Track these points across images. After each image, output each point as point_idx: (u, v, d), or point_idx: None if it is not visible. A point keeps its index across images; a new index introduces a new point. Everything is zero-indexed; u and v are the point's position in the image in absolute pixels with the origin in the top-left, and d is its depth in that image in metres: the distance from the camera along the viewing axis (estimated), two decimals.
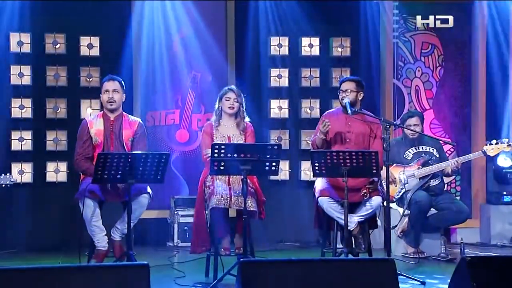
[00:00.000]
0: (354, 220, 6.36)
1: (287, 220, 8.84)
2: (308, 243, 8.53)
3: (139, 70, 8.71)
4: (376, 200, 6.37)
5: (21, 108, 8.31)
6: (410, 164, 7.60)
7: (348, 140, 6.52)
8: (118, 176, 5.82)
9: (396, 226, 7.61)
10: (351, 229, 6.34)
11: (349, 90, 6.53)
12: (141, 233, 8.53)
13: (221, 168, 5.84)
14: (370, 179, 6.34)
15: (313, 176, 6.33)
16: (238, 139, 6.49)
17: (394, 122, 6.63)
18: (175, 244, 8.38)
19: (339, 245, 6.39)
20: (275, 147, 5.84)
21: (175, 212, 8.45)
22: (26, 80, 8.36)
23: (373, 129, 6.54)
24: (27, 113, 8.34)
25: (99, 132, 6.38)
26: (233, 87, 6.70)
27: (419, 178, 7.54)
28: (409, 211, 7.51)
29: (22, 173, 8.27)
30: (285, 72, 8.93)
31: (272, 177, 8.66)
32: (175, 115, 8.87)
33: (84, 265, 4.08)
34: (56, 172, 8.36)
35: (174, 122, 8.88)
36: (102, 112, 6.53)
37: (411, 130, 7.43)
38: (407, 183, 7.53)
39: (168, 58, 8.81)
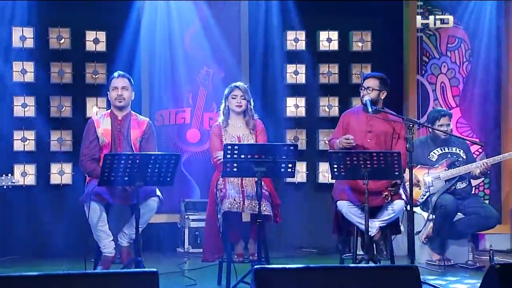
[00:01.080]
0: (375, 225, 6.34)
1: (304, 225, 8.84)
2: (326, 250, 8.52)
3: (148, 66, 8.76)
4: (399, 204, 6.35)
5: (23, 107, 8.36)
6: (435, 166, 7.57)
7: (369, 140, 6.50)
8: (126, 178, 5.83)
9: (420, 231, 7.58)
10: (372, 235, 6.31)
11: (371, 88, 6.51)
12: (149, 239, 8.56)
13: (234, 169, 5.85)
14: (392, 181, 6.32)
15: (332, 178, 6.32)
16: (249, 138, 6.49)
17: (418, 121, 6.59)
18: (185, 250, 8.39)
19: (360, 252, 6.37)
20: (291, 147, 5.84)
21: (186, 217, 8.47)
22: (29, 77, 8.40)
23: (396, 129, 6.52)
24: (30, 112, 8.39)
25: (106, 132, 6.40)
26: (239, 83, 6.68)
27: (445, 181, 7.51)
28: (434, 216, 7.48)
29: (25, 175, 8.32)
30: (302, 68, 8.94)
31: (288, 180, 8.69)
32: (186, 114, 8.89)
33: (90, 272, 4.11)
34: (61, 174, 8.40)
35: (185, 121, 8.90)
36: (109, 111, 6.55)
37: (440, 130, 7.40)
38: (432, 186, 7.51)
39: (178, 54, 8.84)
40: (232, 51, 8.90)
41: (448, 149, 7.67)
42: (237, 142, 6.38)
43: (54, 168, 8.43)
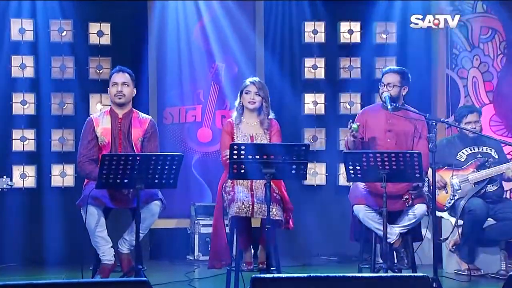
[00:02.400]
0: (395, 231, 6.33)
1: (323, 231, 8.79)
2: (348, 258, 8.48)
3: (155, 61, 8.78)
4: (420, 208, 6.33)
5: (23, 104, 8.42)
6: (463, 167, 7.51)
7: (389, 140, 6.48)
8: (125, 181, 5.83)
9: (447, 238, 7.53)
10: (392, 242, 6.32)
11: (392, 84, 6.51)
12: (158, 245, 8.61)
13: (242, 171, 5.84)
14: (413, 184, 6.30)
15: (347, 181, 6.30)
16: (262, 138, 6.50)
17: (441, 119, 6.53)
18: (195, 257, 8.40)
19: (380, 260, 6.36)
20: (303, 147, 5.83)
21: (196, 222, 8.48)
22: (29, 72, 8.46)
23: (418, 127, 6.51)
24: (30, 110, 8.45)
25: (106, 131, 6.42)
26: (254, 79, 6.69)
27: (474, 183, 7.44)
28: (462, 222, 7.42)
29: (24, 177, 8.37)
30: (321, 62, 8.93)
31: (307, 182, 8.68)
32: (197, 112, 8.91)
33: (81, 282, 4.10)
34: (62, 176, 8.44)
35: (196, 119, 8.91)
36: (109, 108, 6.57)
37: (464, 129, 7.35)
38: (460, 189, 7.45)
39: (188, 47, 8.87)
40: (246, 44, 8.90)
41: (478, 149, 7.60)
42: (249, 142, 6.40)
43: (56, 169, 8.46)
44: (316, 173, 8.81)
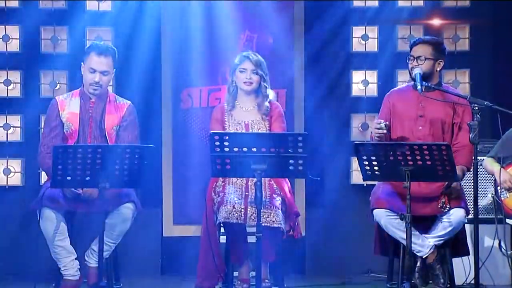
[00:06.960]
0: (428, 243, 6.27)
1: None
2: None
3: (170, 31, 8.82)
4: (457, 213, 6.28)
5: (6, 84, 8.58)
6: None
7: (420, 128, 6.45)
8: (87, 178, 5.87)
9: None
10: (424, 256, 6.26)
11: (423, 57, 6.49)
12: (170, 257, 8.67)
13: (227, 167, 5.84)
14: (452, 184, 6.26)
15: (364, 180, 6.23)
16: (260, 126, 6.54)
17: (486, 103, 6.36)
18: None
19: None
20: (300, 137, 5.78)
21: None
22: (14, 45, 8.62)
23: (459, 112, 6.46)
24: (15, 91, 8.61)
25: (73, 116, 6.48)
26: (249, 53, 6.75)
27: None
28: None
29: (8, 172, 8.53)
30: (373, 32, 8.86)
31: (354, 181, 8.66)
32: (222, 93, 8.90)
33: None
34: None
35: (220, 102, 8.92)
36: (79, 89, 6.62)
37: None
38: None
39: (211, 15, 8.84)
40: (283, 9, 8.87)
41: None
42: (244, 131, 6.40)
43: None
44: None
